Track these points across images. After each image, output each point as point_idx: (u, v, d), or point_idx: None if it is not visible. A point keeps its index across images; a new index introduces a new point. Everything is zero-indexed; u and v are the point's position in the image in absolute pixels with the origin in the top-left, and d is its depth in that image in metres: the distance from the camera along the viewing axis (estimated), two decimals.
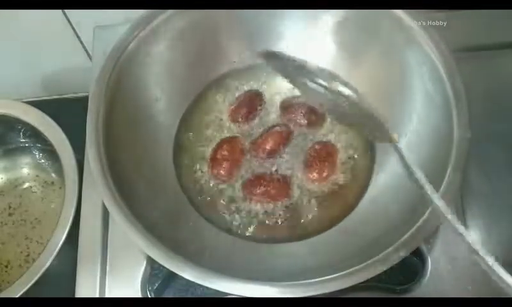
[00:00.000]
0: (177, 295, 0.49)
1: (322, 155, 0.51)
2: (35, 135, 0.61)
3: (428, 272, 0.48)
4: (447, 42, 0.46)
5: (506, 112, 0.57)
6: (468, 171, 0.51)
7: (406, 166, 0.41)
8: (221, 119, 0.55)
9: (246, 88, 0.56)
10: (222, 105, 0.55)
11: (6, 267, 0.64)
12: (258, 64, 0.57)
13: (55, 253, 0.51)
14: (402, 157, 0.42)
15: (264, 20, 0.54)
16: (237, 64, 0.57)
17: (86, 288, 0.49)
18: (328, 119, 0.54)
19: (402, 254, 0.38)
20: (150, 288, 0.49)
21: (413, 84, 0.48)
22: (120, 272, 0.50)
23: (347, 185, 0.50)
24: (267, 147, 0.51)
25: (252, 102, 0.54)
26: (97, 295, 0.48)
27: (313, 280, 0.37)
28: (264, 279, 0.38)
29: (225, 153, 0.51)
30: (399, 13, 0.48)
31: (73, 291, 0.49)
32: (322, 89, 0.46)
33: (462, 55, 0.45)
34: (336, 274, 0.37)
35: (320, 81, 0.46)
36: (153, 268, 0.50)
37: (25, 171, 0.71)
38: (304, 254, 0.47)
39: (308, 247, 0.47)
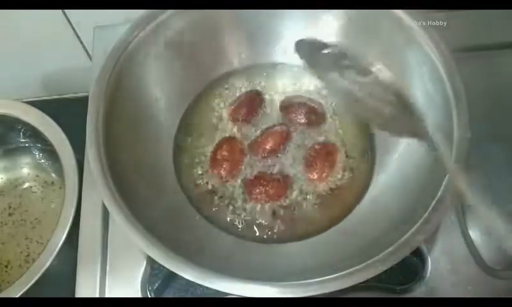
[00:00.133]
0: (177, 295, 0.49)
1: (322, 155, 0.51)
2: (35, 135, 0.61)
3: (428, 272, 0.48)
4: (447, 42, 0.46)
5: (506, 112, 0.57)
6: (468, 171, 0.51)
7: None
8: (221, 119, 0.55)
9: (246, 88, 0.56)
10: (222, 105, 0.55)
11: (6, 267, 0.64)
12: (258, 64, 0.57)
13: (55, 253, 0.51)
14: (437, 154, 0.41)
15: (263, 20, 0.54)
16: (237, 64, 0.57)
17: (86, 288, 0.49)
18: (328, 119, 0.54)
19: (402, 254, 0.38)
20: (150, 288, 0.49)
21: (413, 84, 0.48)
22: (120, 272, 0.50)
23: (347, 185, 0.50)
24: (267, 147, 0.51)
25: (252, 102, 0.54)
26: (97, 295, 0.48)
27: (313, 280, 0.37)
28: (264, 279, 0.38)
29: (225, 153, 0.51)
30: (399, 13, 0.48)
31: (73, 291, 0.49)
32: (354, 85, 0.45)
33: (462, 55, 0.45)
34: (336, 274, 0.37)
35: (355, 74, 0.45)
36: (153, 268, 0.50)
37: (25, 171, 0.71)
38: (304, 254, 0.47)
39: (308, 247, 0.47)
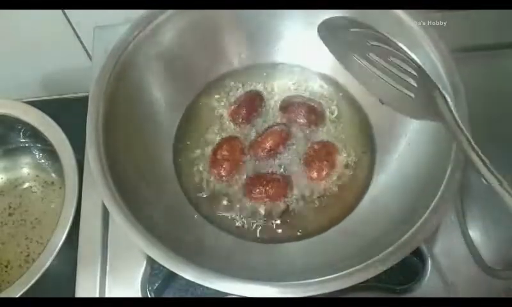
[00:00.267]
0: (177, 295, 0.49)
1: (322, 155, 0.51)
2: (35, 135, 0.61)
3: (428, 272, 0.48)
4: (446, 42, 0.46)
5: (506, 112, 0.57)
6: (468, 172, 0.51)
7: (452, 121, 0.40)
8: (221, 120, 0.55)
9: (246, 88, 0.56)
10: (222, 105, 0.55)
11: (6, 267, 0.64)
12: (258, 64, 0.57)
13: (55, 253, 0.51)
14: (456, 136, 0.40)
15: (263, 20, 0.54)
16: (237, 64, 0.57)
17: (86, 288, 0.49)
18: (328, 119, 0.54)
19: (402, 254, 0.38)
20: (150, 288, 0.49)
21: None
22: (120, 272, 0.50)
23: (348, 185, 0.50)
24: (267, 146, 0.51)
25: (252, 102, 0.55)
26: (97, 295, 0.48)
27: (313, 280, 0.37)
28: (264, 279, 0.38)
29: (225, 153, 0.51)
30: (399, 13, 0.48)
31: (73, 291, 0.49)
32: (374, 66, 0.45)
33: (461, 55, 0.46)
34: (336, 274, 0.37)
35: (375, 55, 0.44)
36: (153, 268, 0.50)
37: (25, 171, 0.71)
38: (304, 254, 0.47)
39: (308, 247, 0.47)
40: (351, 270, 0.37)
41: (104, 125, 0.45)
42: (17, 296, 0.50)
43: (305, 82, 0.56)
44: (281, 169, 0.51)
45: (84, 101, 0.47)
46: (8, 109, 0.61)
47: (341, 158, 0.52)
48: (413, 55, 0.45)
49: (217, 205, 0.50)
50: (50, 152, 0.60)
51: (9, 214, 0.68)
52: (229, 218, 0.49)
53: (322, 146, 0.52)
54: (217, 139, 0.53)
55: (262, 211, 0.49)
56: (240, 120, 0.54)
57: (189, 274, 0.38)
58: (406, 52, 0.45)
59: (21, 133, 0.66)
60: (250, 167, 0.51)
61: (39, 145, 0.68)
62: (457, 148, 0.41)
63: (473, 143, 0.38)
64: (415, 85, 0.44)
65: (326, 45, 0.49)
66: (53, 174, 0.70)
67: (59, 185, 0.69)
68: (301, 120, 0.53)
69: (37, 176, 0.70)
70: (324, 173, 0.50)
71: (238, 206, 0.50)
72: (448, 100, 0.42)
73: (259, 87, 0.56)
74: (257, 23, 0.54)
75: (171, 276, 0.49)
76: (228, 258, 0.45)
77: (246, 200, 0.50)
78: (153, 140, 0.51)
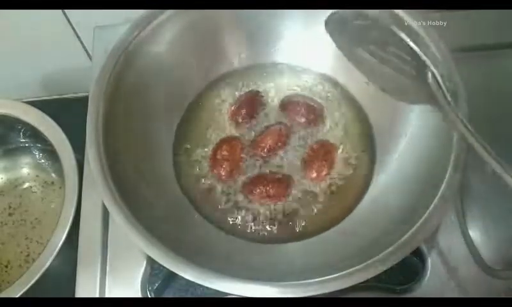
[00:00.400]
0: (177, 295, 0.49)
1: (321, 154, 0.51)
2: (35, 135, 0.61)
3: (428, 272, 0.48)
4: (446, 42, 0.46)
5: (506, 112, 0.57)
6: (468, 172, 0.51)
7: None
8: (221, 119, 0.55)
9: (246, 88, 0.56)
10: (222, 105, 0.55)
11: (6, 267, 0.64)
12: (258, 64, 0.57)
13: (55, 253, 0.51)
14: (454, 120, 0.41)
15: (263, 20, 0.54)
16: (237, 64, 0.57)
17: (86, 288, 0.49)
18: (328, 119, 0.54)
19: (402, 254, 0.38)
20: (150, 288, 0.49)
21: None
22: (120, 272, 0.50)
23: (347, 185, 0.50)
24: (266, 145, 0.51)
25: (252, 102, 0.55)
26: (97, 295, 0.48)
27: (313, 280, 0.37)
28: (264, 279, 0.38)
29: (225, 153, 0.51)
30: (399, 13, 0.48)
31: (73, 291, 0.49)
32: (376, 58, 0.46)
33: (461, 55, 0.46)
34: (336, 274, 0.37)
35: (376, 47, 0.46)
36: (153, 268, 0.50)
37: (25, 171, 0.71)
38: (305, 254, 0.47)
39: (308, 247, 0.47)
40: (351, 270, 0.37)
41: (104, 125, 0.45)
42: (17, 296, 0.50)
43: (305, 82, 0.56)
44: (281, 169, 0.51)
45: (84, 101, 0.47)
46: (8, 109, 0.61)
47: (341, 158, 0.52)
48: (412, 44, 0.45)
49: (217, 205, 0.50)
50: (50, 152, 0.60)
51: (9, 214, 0.68)
52: (229, 218, 0.49)
53: (321, 145, 0.52)
54: (217, 139, 0.53)
55: (262, 211, 0.49)
56: (240, 120, 0.54)
57: (189, 274, 0.38)
58: (405, 40, 0.45)
59: (21, 133, 0.66)
60: (250, 167, 0.51)
61: (39, 145, 0.68)
62: (449, 127, 0.42)
63: (466, 122, 0.39)
64: (414, 72, 0.44)
65: (332, 38, 0.49)
66: (53, 174, 0.70)
67: (59, 185, 0.69)
68: (301, 119, 0.53)
69: (37, 176, 0.70)
70: (324, 172, 0.50)
71: (238, 206, 0.50)
72: (440, 80, 0.42)
73: (259, 87, 0.56)
74: (257, 23, 0.54)
75: (171, 276, 0.49)
76: (228, 258, 0.45)
77: (246, 200, 0.50)
78: (153, 140, 0.51)
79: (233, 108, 0.55)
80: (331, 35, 0.50)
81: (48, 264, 0.51)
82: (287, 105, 0.54)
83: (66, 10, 0.63)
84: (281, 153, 0.52)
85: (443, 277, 0.48)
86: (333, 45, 0.54)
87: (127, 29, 0.49)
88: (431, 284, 0.48)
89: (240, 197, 0.50)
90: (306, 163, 0.51)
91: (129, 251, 0.50)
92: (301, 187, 0.50)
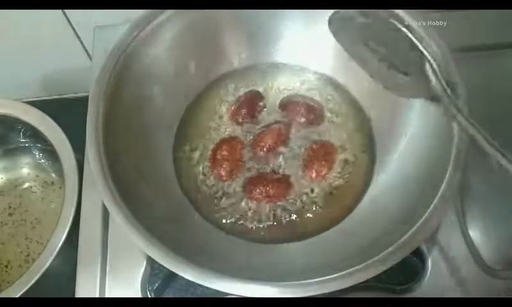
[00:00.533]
0: (177, 295, 0.49)
1: (320, 155, 0.51)
2: (35, 135, 0.61)
3: (428, 272, 0.48)
4: (446, 42, 0.46)
5: (506, 112, 0.57)
6: (468, 172, 0.51)
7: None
8: (221, 120, 0.55)
9: (246, 88, 0.56)
10: (222, 105, 0.55)
11: (6, 267, 0.64)
12: (258, 64, 0.57)
13: (55, 253, 0.51)
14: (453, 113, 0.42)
15: (263, 20, 0.54)
16: (237, 64, 0.57)
17: (86, 288, 0.49)
18: (328, 119, 0.54)
19: (402, 254, 0.38)
20: (150, 288, 0.49)
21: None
22: (120, 272, 0.50)
23: (347, 185, 0.50)
24: (265, 145, 0.51)
25: (252, 102, 0.55)
26: (97, 295, 0.48)
27: (313, 280, 0.37)
28: (264, 279, 0.38)
29: (225, 153, 0.51)
30: (399, 13, 0.48)
31: (73, 291, 0.49)
32: (376, 54, 0.47)
33: (462, 55, 0.45)
34: (336, 274, 0.37)
35: (376, 44, 0.47)
36: (153, 268, 0.50)
37: (25, 171, 0.71)
38: (304, 254, 0.47)
39: (308, 247, 0.47)
40: (351, 270, 0.37)
41: (104, 125, 0.45)
42: (17, 296, 0.50)
43: (305, 82, 0.56)
44: (281, 169, 0.51)
45: (84, 101, 0.47)
46: (8, 109, 0.61)
47: (340, 158, 0.52)
48: (411, 36, 0.46)
49: (217, 205, 0.50)
50: (50, 152, 0.60)
51: (9, 214, 0.68)
52: (229, 218, 0.49)
53: (321, 146, 0.52)
54: (217, 139, 0.53)
55: (262, 211, 0.49)
56: (241, 120, 0.54)
57: (189, 274, 0.38)
58: (404, 32, 0.46)
59: (21, 133, 0.66)
60: (250, 167, 0.51)
61: (39, 145, 0.68)
62: (449, 121, 0.42)
63: (466, 114, 0.40)
64: (414, 67, 0.45)
65: (335, 37, 0.50)
66: (53, 174, 0.70)
67: (59, 185, 0.69)
68: (301, 119, 0.53)
69: (37, 176, 0.70)
70: (324, 172, 0.50)
71: (238, 206, 0.50)
72: (438, 72, 0.44)
73: (259, 87, 0.56)
74: (257, 23, 0.54)
75: (171, 276, 0.49)
76: (228, 258, 0.45)
77: (246, 200, 0.50)
78: (153, 140, 0.51)
79: (233, 108, 0.55)
80: (334, 34, 0.50)
81: (48, 264, 0.51)
82: (286, 105, 0.54)
83: (66, 10, 0.63)
84: (281, 152, 0.52)
85: (443, 277, 0.48)
86: (333, 45, 0.54)
87: (127, 29, 0.49)
88: (431, 284, 0.48)
89: (240, 198, 0.50)
90: (306, 163, 0.51)
91: (129, 251, 0.50)
92: (301, 187, 0.50)
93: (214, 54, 0.56)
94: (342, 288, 0.37)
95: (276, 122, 0.53)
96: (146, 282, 0.49)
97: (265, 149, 0.51)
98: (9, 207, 0.68)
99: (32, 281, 0.50)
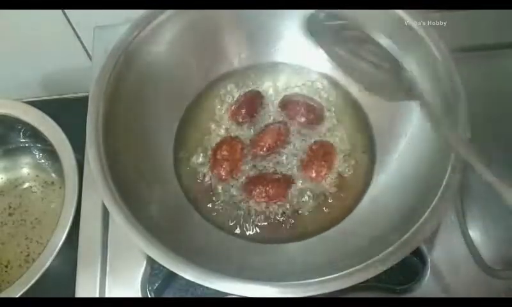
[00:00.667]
0: (177, 295, 0.49)
1: (320, 154, 0.51)
2: (35, 135, 0.61)
3: (428, 272, 0.48)
4: (446, 42, 0.46)
5: (506, 112, 0.57)
6: (467, 172, 0.51)
7: (434, 120, 0.43)
8: (221, 119, 0.55)
9: (246, 88, 0.56)
10: (222, 105, 0.55)
11: (6, 267, 0.64)
12: (258, 64, 0.57)
13: (55, 253, 0.51)
14: (429, 112, 0.43)
15: (264, 20, 0.54)
16: (237, 64, 0.57)
17: (86, 288, 0.49)
18: (327, 118, 0.54)
19: (402, 254, 0.38)
20: (150, 288, 0.49)
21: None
22: (120, 272, 0.50)
23: (347, 185, 0.50)
24: (265, 144, 0.51)
25: (252, 102, 0.55)
26: (97, 295, 0.48)
27: (313, 280, 0.37)
28: (264, 279, 0.38)
29: (225, 153, 0.51)
30: (399, 13, 0.48)
31: (73, 291, 0.49)
32: (354, 55, 0.48)
33: (461, 55, 0.46)
34: (336, 274, 0.37)
35: (354, 44, 0.48)
36: (153, 268, 0.50)
37: (25, 171, 0.71)
38: (304, 254, 0.47)
39: (308, 247, 0.47)
40: (351, 270, 0.37)
41: (104, 125, 0.45)
42: (17, 296, 0.50)
43: (305, 82, 0.56)
44: (281, 169, 0.51)
45: (84, 101, 0.47)
46: (8, 109, 0.61)
47: (340, 158, 0.52)
48: (384, 42, 0.48)
49: (217, 205, 0.50)
50: (50, 152, 0.60)
51: (9, 214, 0.68)
52: (229, 218, 0.49)
53: (320, 146, 0.52)
54: (217, 139, 0.53)
55: (262, 211, 0.49)
56: (241, 120, 0.54)
57: (189, 274, 0.38)
58: (375, 41, 0.48)
59: (21, 133, 0.66)
60: (250, 167, 0.51)
61: (39, 145, 0.68)
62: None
63: (440, 116, 0.41)
64: (390, 69, 0.47)
65: (313, 39, 0.52)
66: (53, 174, 0.70)
67: (59, 185, 0.69)
68: (301, 119, 0.53)
69: (37, 176, 0.70)
70: (323, 172, 0.50)
71: (238, 206, 0.50)
72: (415, 76, 0.46)
73: (259, 87, 0.56)
74: (257, 23, 0.54)
75: (171, 276, 0.49)
76: (228, 258, 0.45)
77: (246, 200, 0.50)
78: (153, 140, 0.51)
79: (233, 108, 0.55)
80: (312, 35, 0.51)
81: (48, 264, 0.51)
82: (286, 104, 0.54)
83: (66, 10, 0.63)
84: (280, 152, 0.52)
85: (443, 277, 0.48)
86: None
87: (127, 29, 0.49)
88: (431, 284, 0.48)
89: (240, 197, 0.50)
90: (306, 163, 0.51)
91: (129, 251, 0.50)
92: (301, 187, 0.50)
93: (214, 54, 0.56)
94: (342, 288, 0.37)
95: (276, 122, 0.53)
96: (146, 282, 0.49)
97: (265, 149, 0.51)
98: (9, 207, 0.68)
99: (32, 281, 0.50)
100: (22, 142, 0.68)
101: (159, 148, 0.52)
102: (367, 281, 0.37)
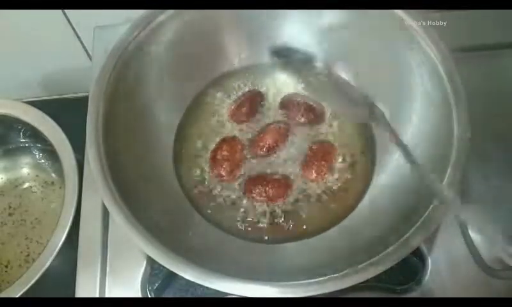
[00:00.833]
0: (177, 295, 0.49)
1: (320, 155, 0.51)
2: (35, 135, 0.61)
3: (428, 272, 0.48)
4: (446, 42, 0.46)
5: (506, 112, 0.57)
6: (467, 172, 0.51)
7: (409, 158, 0.43)
8: (221, 119, 0.55)
9: (246, 88, 0.56)
10: (222, 105, 0.55)
11: (6, 267, 0.64)
12: (258, 64, 0.57)
13: (55, 253, 0.51)
14: (405, 150, 0.44)
15: (264, 21, 0.54)
16: (237, 64, 0.57)
17: (86, 288, 0.49)
18: (327, 118, 0.54)
19: (402, 254, 0.38)
20: (150, 288, 0.49)
21: (412, 84, 0.48)
22: (120, 272, 0.50)
23: (348, 185, 0.50)
24: (265, 144, 0.51)
25: (252, 102, 0.55)
26: (97, 295, 0.48)
27: (313, 280, 0.37)
28: (264, 279, 0.38)
29: (225, 153, 0.51)
30: (399, 13, 0.48)
31: (73, 291, 0.49)
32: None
33: (461, 55, 0.46)
34: (336, 274, 0.37)
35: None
36: (153, 268, 0.50)
37: (25, 171, 0.71)
38: (305, 254, 0.47)
39: (308, 247, 0.47)
40: (351, 270, 0.37)
41: (104, 125, 0.45)
42: (17, 296, 0.50)
43: (305, 82, 0.56)
44: (281, 169, 0.51)
45: (84, 101, 0.47)
46: (8, 109, 0.61)
47: (340, 158, 0.52)
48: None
49: (217, 205, 0.50)
50: (50, 152, 0.60)
51: (9, 214, 0.68)
52: (229, 218, 0.49)
53: (320, 146, 0.52)
54: (217, 139, 0.53)
55: (262, 211, 0.49)
56: (241, 120, 0.54)
57: (189, 274, 0.38)
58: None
59: (21, 133, 0.66)
60: (250, 167, 0.51)
61: (39, 145, 0.68)
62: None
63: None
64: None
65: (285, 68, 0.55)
66: (53, 174, 0.70)
67: (59, 185, 0.69)
68: (301, 119, 0.53)
69: (37, 176, 0.70)
70: (323, 172, 0.50)
71: (238, 206, 0.50)
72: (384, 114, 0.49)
73: (259, 86, 0.56)
74: (258, 23, 0.54)
75: (171, 276, 0.49)
76: (228, 258, 0.45)
77: (246, 200, 0.50)
78: (153, 140, 0.51)
79: (233, 108, 0.55)
80: (278, 59, 0.55)
81: (48, 264, 0.51)
82: (287, 104, 0.54)
83: (66, 10, 0.63)
84: (280, 152, 0.52)
85: (443, 277, 0.48)
86: (333, 44, 0.54)
87: (127, 29, 0.49)
88: (431, 284, 0.48)
89: (240, 197, 0.50)
90: (306, 163, 0.51)
91: (129, 251, 0.50)
92: (301, 187, 0.50)
93: (214, 54, 0.56)
94: (342, 288, 0.37)
95: (276, 122, 0.53)
96: (146, 282, 0.49)
97: (265, 149, 0.51)
98: (9, 207, 0.68)
99: (32, 281, 0.50)
100: (22, 142, 0.68)
101: (159, 148, 0.52)
102: (367, 281, 0.37)
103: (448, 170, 0.41)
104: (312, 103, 0.54)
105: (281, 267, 0.46)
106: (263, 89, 0.56)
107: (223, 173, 0.50)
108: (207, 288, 0.37)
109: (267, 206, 0.49)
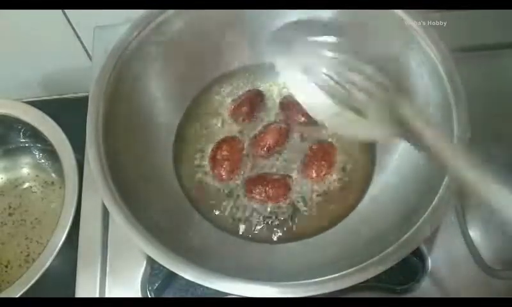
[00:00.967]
0: (177, 295, 0.49)
1: (320, 155, 0.51)
2: (35, 135, 0.61)
3: (428, 272, 0.48)
4: (446, 42, 0.46)
5: (506, 112, 0.57)
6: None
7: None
8: (222, 119, 0.55)
9: (246, 88, 0.56)
10: (222, 104, 0.55)
11: (6, 267, 0.64)
12: (259, 64, 0.57)
13: (55, 253, 0.51)
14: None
15: (264, 21, 0.54)
16: (237, 64, 0.57)
17: (86, 288, 0.49)
18: None
19: (402, 254, 0.38)
20: (150, 288, 0.49)
21: (412, 84, 0.48)
22: (120, 272, 0.50)
23: (347, 184, 0.50)
24: (266, 144, 0.51)
25: (252, 102, 0.55)
26: (97, 295, 0.48)
27: (313, 280, 0.37)
28: (264, 279, 0.38)
29: (225, 153, 0.51)
30: (399, 13, 0.48)
31: (73, 291, 0.49)
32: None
33: (461, 55, 0.45)
34: (336, 274, 0.37)
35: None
36: (153, 268, 0.50)
37: (25, 171, 0.71)
38: (304, 254, 0.47)
39: (308, 247, 0.47)
40: (351, 270, 0.37)
41: (104, 125, 0.45)
42: (17, 296, 0.50)
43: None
44: (281, 169, 0.51)
45: (84, 101, 0.47)
46: (8, 109, 0.61)
47: (340, 158, 0.52)
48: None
49: (217, 205, 0.50)
50: (50, 152, 0.60)
51: (9, 214, 0.68)
52: (229, 218, 0.49)
53: (320, 146, 0.52)
54: (217, 139, 0.53)
55: (262, 211, 0.49)
56: (241, 120, 0.54)
57: (189, 274, 0.38)
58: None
59: (21, 133, 0.66)
60: (250, 167, 0.51)
61: (39, 145, 0.68)
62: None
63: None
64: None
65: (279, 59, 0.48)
66: (53, 174, 0.70)
67: (59, 185, 0.69)
68: (301, 119, 0.53)
69: (37, 176, 0.70)
70: (323, 172, 0.50)
71: (238, 206, 0.50)
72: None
73: (259, 87, 0.56)
74: (258, 24, 0.54)
75: (171, 276, 0.49)
76: (228, 258, 0.45)
77: (246, 200, 0.50)
78: (153, 140, 0.51)
79: (233, 107, 0.55)
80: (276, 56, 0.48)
81: (48, 264, 0.51)
82: (287, 104, 0.54)
83: (66, 10, 0.63)
84: (281, 152, 0.52)
85: (443, 277, 0.48)
86: (334, 45, 0.54)
87: (127, 29, 0.49)
88: (431, 284, 0.48)
89: (240, 197, 0.50)
90: (306, 163, 0.51)
91: (129, 251, 0.50)
92: (301, 187, 0.50)
93: (214, 53, 0.55)
94: (342, 288, 0.37)
95: (276, 122, 0.53)
96: (146, 282, 0.49)
97: (265, 149, 0.51)
98: (9, 207, 0.68)
99: (32, 281, 0.50)
100: (22, 142, 0.68)
101: (159, 148, 0.52)
102: (367, 281, 0.37)
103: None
104: None
105: (281, 267, 0.46)
106: (263, 89, 0.56)
107: (223, 173, 0.50)
108: (207, 288, 0.37)
109: (267, 206, 0.49)
